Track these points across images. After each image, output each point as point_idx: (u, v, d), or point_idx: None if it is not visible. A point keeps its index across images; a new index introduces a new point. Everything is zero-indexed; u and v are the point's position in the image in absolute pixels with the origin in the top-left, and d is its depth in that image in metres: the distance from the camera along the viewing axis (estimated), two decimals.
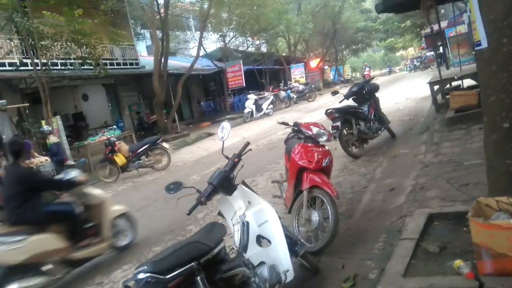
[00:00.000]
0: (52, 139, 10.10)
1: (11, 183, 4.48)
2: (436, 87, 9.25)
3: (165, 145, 10.98)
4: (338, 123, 6.85)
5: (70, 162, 11.30)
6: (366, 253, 3.53)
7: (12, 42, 11.61)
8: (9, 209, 4.38)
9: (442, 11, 20.20)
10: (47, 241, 4.25)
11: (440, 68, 9.69)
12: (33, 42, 11.23)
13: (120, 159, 10.23)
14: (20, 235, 4.11)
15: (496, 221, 2.40)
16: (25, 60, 12.18)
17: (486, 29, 2.68)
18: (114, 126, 13.93)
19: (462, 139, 6.13)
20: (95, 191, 5.15)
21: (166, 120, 17.16)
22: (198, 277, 2.18)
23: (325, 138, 4.14)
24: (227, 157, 3.10)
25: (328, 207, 3.65)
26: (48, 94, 11.41)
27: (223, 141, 3.19)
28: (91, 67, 13.16)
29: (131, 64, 18.72)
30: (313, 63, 34.18)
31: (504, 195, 2.59)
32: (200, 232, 2.72)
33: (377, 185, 5.38)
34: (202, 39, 20.78)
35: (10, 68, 12.57)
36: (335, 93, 8.23)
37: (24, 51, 12.36)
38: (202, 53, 21.63)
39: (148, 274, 2.04)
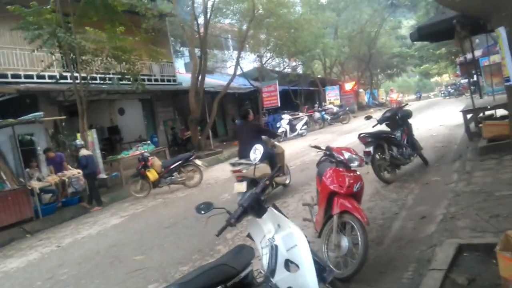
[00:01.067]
0: (83, 152, 10.25)
1: (246, 132, 7.55)
2: (469, 116, 9.20)
3: (197, 162, 11.01)
4: (370, 149, 6.84)
5: (103, 175, 11.53)
6: (395, 282, 3.50)
7: (53, 56, 11.93)
8: (246, 148, 7.03)
9: (477, 40, 19.79)
10: (266, 167, 6.81)
11: (473, 96, 9.46)
12: (74, 56, 11.64)
13: (152, 175, 10.35)
14: (255, 161, 6.55)
15: None
16: (64, 74, 12.61)
17: None
18: (149, 142, 14.16)
19: (494, 169, 6.09)
20: (279, 144, 8.50)
21: (200, 137, 17.36)
22: None
23: (356, 163, 4.15)
24: (258, 180, 3.07)
25: (358, 233, 3.63)
26: (85, 108, 11.71)
27: (255, 163, 3.23)
28: (129, 82, 13.52)
29: (168, 80, 19.18)
30: (348, 85, 34.00)
31: None
32: (228, 254, 2.69)
33: (408, 212, 5.31)
34: (239, 59, 21.14)
35: (49, 80, 12.99)
36: (368, 117, 8.18)
37: (65, 64, 12.82)
38: (238, 72, 21.96)
39: None
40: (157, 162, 10.69)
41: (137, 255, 5.84)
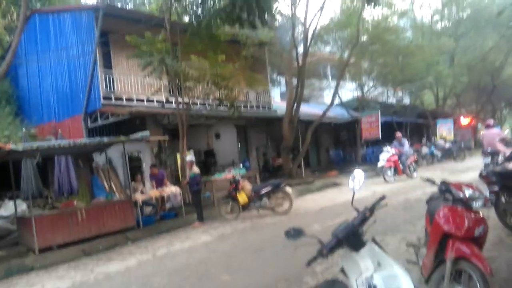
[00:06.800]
0: (195, 169, 11.47)
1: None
2: None
3: (288, 189, 11.49)
4: (497, 189, 6.32)
5: None
6: None
7: (161, 82, 13.85)
8: None
9: None
10: None
11: None
12: (179, 82, 13.30)
13: (242, 198, 11.15)
14: None
15: None
16: (170, 99, 14.44)
17: None
18: (241, 165, 15.36)
19: None
20: None
21: (291, 165, 18.19)
22: None
23: (480, 203, 3.77)
24: (357, 210, 3.00)
25: (478, 285, 3.31)
26: (185, 130, 13.22)
27: (354, 192, 3.12)
28: (226, 109, 14.88)
29: (263, 107, 20.31)
30: (464, 120, 32.39)
31: None
32: (323, 285, 2.75)
33: None
34: (338, 88, 21.70)
35: (156, 105, 14.96)
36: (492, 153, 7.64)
37: (170, 90, 14.66)
38: (336, 101, 22.45)
39: None
40: (247, 185, 11.49)
41: (224, 274, 6.34)
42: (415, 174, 16.09)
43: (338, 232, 2.75)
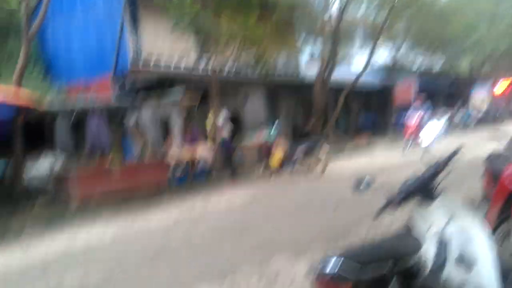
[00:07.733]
0: (226, 130, 11.62)
1: None
2: None
3: (325, 148, 11.39)
4: None
5: None
6: None
7: (191, 44, 13.59)
8: None
9: None
10: None
11: None
12: (209, 44, 13.04)
13: (275, 159, 11.19)
14: None
15: None
16: (199, 61, 14.27)
17: None
18: (274, 127, 15.14)
19: None
20: None
21: (322, 130, 18.02)
22: (393, 280, 2.18)
23: None
24: (426, 164, 2.88)
25: None
26: (216, 92, 13.06)
27: (428, 144, 3.05)
28: (255, 73, 14.63)
29: (292, 73, 20.02)
30: (500, 88, 31.22)
31: None
32: (395, 237, 2.71)
33: None
34: (371, 54, 21.16)
35: (184, 70, 14.63)
36: None
37: (200, 52, 14.43)
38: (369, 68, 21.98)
39: (343, 259, 2.16)
40: (280, 148, 11.50)
41: (266, 228, 6.43)
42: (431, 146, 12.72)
43: (408, 185, 2.67)
